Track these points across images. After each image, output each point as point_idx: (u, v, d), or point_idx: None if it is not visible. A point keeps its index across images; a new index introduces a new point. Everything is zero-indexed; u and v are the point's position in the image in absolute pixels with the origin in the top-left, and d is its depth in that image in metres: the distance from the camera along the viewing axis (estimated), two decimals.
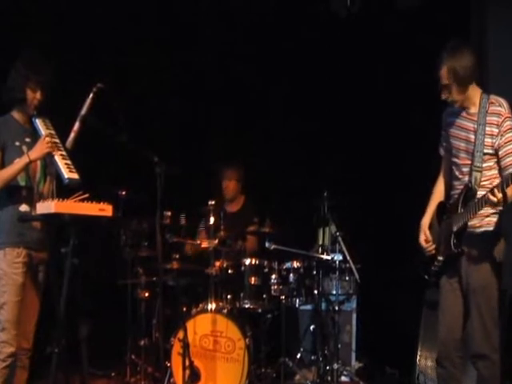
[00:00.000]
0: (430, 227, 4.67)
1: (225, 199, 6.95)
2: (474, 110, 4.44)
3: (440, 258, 4.53)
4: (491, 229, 4.40)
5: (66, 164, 4.55)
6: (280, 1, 7.23)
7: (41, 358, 4.72)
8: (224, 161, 6.96)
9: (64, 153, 4.61)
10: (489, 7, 6.48)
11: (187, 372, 5.54)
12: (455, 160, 4.54)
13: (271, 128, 7.54)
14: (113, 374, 6.42)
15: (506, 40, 6.37)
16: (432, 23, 6.68)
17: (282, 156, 7.42)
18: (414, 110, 6.72)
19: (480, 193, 4.33)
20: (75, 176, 4.54)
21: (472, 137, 4.42)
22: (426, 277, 4.68)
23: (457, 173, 4.53)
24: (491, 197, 4.10)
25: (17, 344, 4.55)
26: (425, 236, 4.64)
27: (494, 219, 4.40)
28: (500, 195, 4.07)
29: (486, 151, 4.37)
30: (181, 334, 5.55)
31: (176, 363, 5.73)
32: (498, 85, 5.98)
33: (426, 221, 4.68)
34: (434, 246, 4.59)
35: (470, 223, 4.39)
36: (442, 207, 4.65)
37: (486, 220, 4.40)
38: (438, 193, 4.73)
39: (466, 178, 4.44)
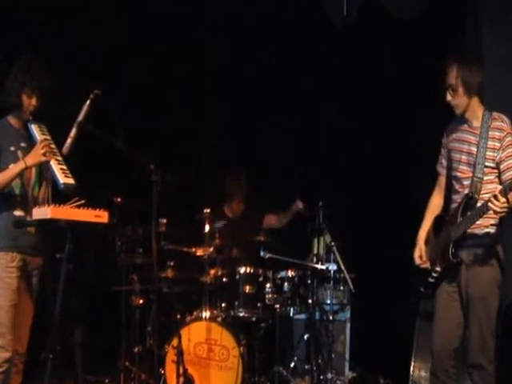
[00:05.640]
0: (427, 242, 4.71)
1: (232, 209, 7.01)
2: (476, 123, 4.51)
3: (438, 269, 4.56)
4: (491, 240, 4.43)
5: (61, 169, 4.57)
6: (276, 9, 7.26)
7: (35, 363, 4.70)
8: (235, 179, 6.97)
9: (59, 158, 4.62)
10: (483, 21, 6.51)
11: (181, 379, 5.55)
12: (455, 174, 4.59)
13: (265, 137, 7.57)
14: (106, 381, 6.38)
15: (500, 55, 6.39)
16: (428, 35, 6.71)
17: (276, 165, 7.44)
18: (409, 119, 6.75)
19: (479, 205, 4.37)
20: (71, 181, 4.55)
21: (474, 149, 4.48)
22: (422, 289, 4.71)
23: (457, 186, 4.58)
24: (495, 202, 4.13)
25: (12, 349, 4.56)
26: (419, 252, 4.68)
27: (493, 230, 4.44)
28: (503, 199, 4.11)
29: (487, 164, 4.44)
30: (175, 342, 5.56)
31: (170, 371, 5.73)
32: (492, 100, 6.00)
33: (421, 235, 4.73)
34: (427, 263, 4.64)
35: (469, 233, 4.42)
36: (438, 221, 4.69)
37: (485, 230, 4.43)
38: (433, 208, 4.78)
39: (466, 191, 4.48)
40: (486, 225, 4.43)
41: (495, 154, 4.44)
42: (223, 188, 6.98)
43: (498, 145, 4.43)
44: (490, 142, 4.44)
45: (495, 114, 4.51)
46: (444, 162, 4.74)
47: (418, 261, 4.69)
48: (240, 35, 7.52)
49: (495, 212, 4.19)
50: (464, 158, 4.53)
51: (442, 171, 4.77)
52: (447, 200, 4.74)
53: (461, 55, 4.53)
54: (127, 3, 7.11)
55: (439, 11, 6.67)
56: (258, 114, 7.61)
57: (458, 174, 4.56)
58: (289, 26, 7.34)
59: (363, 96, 7.24)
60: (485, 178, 4.44)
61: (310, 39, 7.32)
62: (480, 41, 6.50)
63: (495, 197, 4.13)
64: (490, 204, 4.17)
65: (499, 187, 4.22)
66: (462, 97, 4.46)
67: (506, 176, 4.40)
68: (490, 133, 4.44)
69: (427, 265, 4.64)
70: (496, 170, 4.45)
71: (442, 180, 4.78)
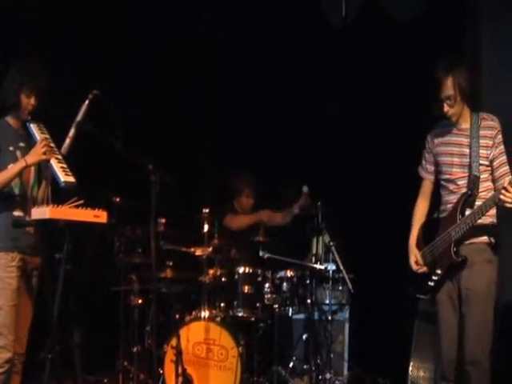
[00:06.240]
0: (419, 248, 4.71)
1: (241, 204, 7.05)
2: (465, 125, 4.57)
3: (438, 272, 4.56)
4: (491, 237, 4.47)
5: (61, 167, 4.56)
6: (276, 9, 7.27)
7: (34, 364, 4.71)
8: (239, 176, 7.02)
9: (59, 156, 4.61)
10: (483, 21, 6.50)
11: (180, 379, 5.54)
12: (447, 177, 4.62)
13: (265, 137, 7.58)
14: (105, 381, 6.39)
15: (500, 55, 6.39)
16: (428, 35, 6.71)
17: (275, 165, 7.45)
18: (409, 119, 6.74)
19: (478, 203, 4.42)
20: (71, 179, 4.54)
21: (466, 150, 4.53)
22: (419, 295, 4.73)
23: (451, 188, 4.59)
24: (506, 194, 4.18)
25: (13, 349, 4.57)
26: (415, 258, 4.69)
27: (493, 228, 4.48)
28: None
29: (481, 162, 4.49)
30: (174, 342, 5.56)
31: (169, 370, 5.73)
32: (492, 100, 6.00)
33: (413, 241, 4.75)
34: (424, 268, 4.64)
35: (469, 231, 4.44)
36: (428, 225, 4.71)
37: (485, 228, 4.47)
38: (420, 213, 4.81)
39: (463, 190, 4.51)
40: (485, 223, 4.47)
41: (488, 152, 4.49)
42: (230, 186, 7.00)
43: (490, 143, 4.49)
44: (482, 141, 4.49)
45: (483, 114, 4.57)
46: (429, 166, 4.76)
47: (415, 267, 4.69)
48: (240, 35, 7.53)
49: (507, 203, 4.23)
50: (456, 160, 4.56)
51: (428, 176, 4.79)
52: (435, 204, 4.75)
53: (450, 63, 4.51)
54: (127, 3, 7.12)
55: (439, 11, 6.67)
56: (257, 114, 7.61)
57: (450, 176, 4.59)
58: (289, 26, 7.34)
59: (363, 96, 7.24)
60: (481, 176, 4.48)
61: (310, 39, 7.33)
62: (479, 41, 6.50)
63: (505, 189, 4.19)
64: (501, 196, 4.22)
65: (507, 179, 4.29)
66: (460, 104, 4.50)
67: (499, 172, 4.48)
68: (480, 132, 4.50)
69: (425, 269, 4.65)
70: (489, 168, 4.51)
71: (427, 184, 4.81)
